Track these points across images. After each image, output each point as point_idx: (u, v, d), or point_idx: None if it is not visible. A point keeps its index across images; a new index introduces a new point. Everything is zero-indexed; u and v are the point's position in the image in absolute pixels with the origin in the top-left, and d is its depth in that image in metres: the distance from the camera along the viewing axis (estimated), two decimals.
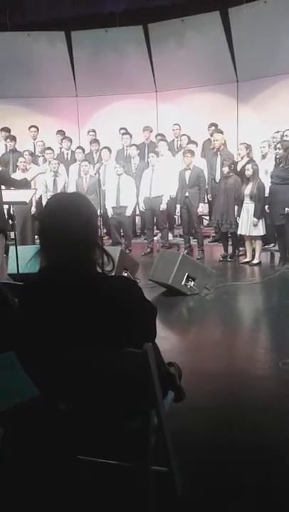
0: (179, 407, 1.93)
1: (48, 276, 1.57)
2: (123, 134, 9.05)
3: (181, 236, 8.37)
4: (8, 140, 8.97)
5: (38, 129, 9.54)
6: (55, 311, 1.54)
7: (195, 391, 2.65)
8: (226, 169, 7.11)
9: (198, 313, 5.19)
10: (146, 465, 1.64)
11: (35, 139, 9.45)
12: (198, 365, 3.53)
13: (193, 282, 5.45)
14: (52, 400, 1.66)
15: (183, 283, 5.41)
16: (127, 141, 8.86)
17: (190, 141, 8.37)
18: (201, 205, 7.44)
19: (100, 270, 1.61)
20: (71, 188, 8.28)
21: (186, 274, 5.43)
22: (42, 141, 9.27)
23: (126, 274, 5.74)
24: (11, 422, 1.41)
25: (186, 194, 7.43)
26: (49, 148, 8.77)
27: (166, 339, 4.14)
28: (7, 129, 9.39)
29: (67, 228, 1.53)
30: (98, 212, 7.47)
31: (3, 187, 5.20)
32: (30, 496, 1.83)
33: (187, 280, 5.43)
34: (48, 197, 2.26)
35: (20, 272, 5.25)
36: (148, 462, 1.64)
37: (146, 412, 1.61)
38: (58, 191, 7.81)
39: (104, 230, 8.31)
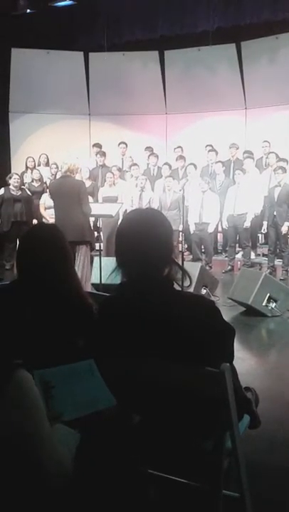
0: (254, 433, 1.87)
1: (126, 291, 1.60)
2: (209, 150, 9.06)
3: (264, 255, 8.15)
4: (98, 155, 9.35)
5: (126, 145, 9.84)
6: (131, 326, 1.57)
7: (271, 418, 2.56)
8: None
9: (279, 336, 5.00)
10: (218, 488, 1.60)
11: (123, 155, 9.75)
12: (276, 392, 3.39)
13: (275, 303, 5.27)
14: (127, 412, 1.69)
15: (264, 304, 5.26)
16: (213, 158, 8.85)
17: (279, 159, 8.17)
18: (287, 224, 7.19)
19: (178, 287, 1.62)
20: (155, 204, 8.42)
21: (268, 294, 5.27)
22: (130, 157, 9.54)
23: (205, 291, 5.69)
24: (88, 429, 1.45)
25: (275, 212, 7.23)
26: (135, 164, 9.01)
27: (243, 360, 4.03)
28: (98, 145, 9.80)
29: (142, 245, 1.54)
30: (181, 227, 7.55)
31: (91, 200, 5.40)
32: (99, 506, 1.87)
33: (269, 301, 5.26)
34: None
35: (103, 282, 5.41)
36: (220, 485, 1.60)
37: (220, 434, 1.58)
38: (144, 206, 7.98)
39: (186, 246, 8.33)
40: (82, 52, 10.63)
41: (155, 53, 10.62)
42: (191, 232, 8.05)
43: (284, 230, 7.17)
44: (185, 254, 7.87)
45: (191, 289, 5.22)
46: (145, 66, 10.73)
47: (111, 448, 1.60)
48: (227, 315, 5.13)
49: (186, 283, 1.65)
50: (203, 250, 8.20)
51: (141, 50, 10.51)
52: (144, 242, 1.55)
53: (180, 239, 7.43)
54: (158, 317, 1.55)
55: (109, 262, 5.67)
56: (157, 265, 1.57)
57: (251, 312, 5.33)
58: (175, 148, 9.73)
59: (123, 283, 1.62)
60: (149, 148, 9.84)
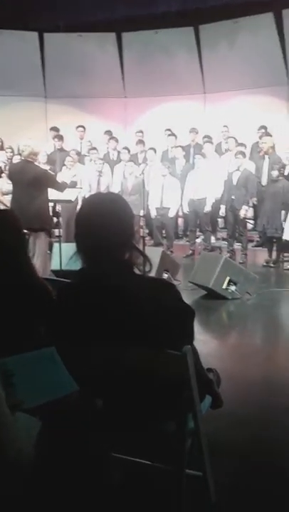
0: (216, 413, 1.90)
1: (86, 276, 1.58)
2: (168, 135, 9.05)
3: (224, 239, 8.28)
4: (56, 139, 9.16)
5: (85, 129, 9.69)
6: (92, 311, 1.55)
7: (232, 398, 2.61)
8: (275, 173, 6.97)
9: (239, 318, 5.11)
10: (181, 468, 1.63)
11: (82, 139, 9.60)
12: (237, 372, 3.47)
13: (234, 286, 5.37)
14: (90, 397, 1.68)
15: (224, 287, 5.35)
16: (172, 143, 8.85)
17: (238, 144, 8.26)
18: (245, 208, 7.30)
19: (139, 272, 1.61)
20: (115, 188, 8.36)
21: (228, 277, 5.36)
22: (89, 141, 9.40)
23: (167, 276, 5.73)
24: (49, 415, 1.43)
25: (233, 196, 7.33)
26: (94, 148, 8.88)
27: (205, 342, 4.10)
28: (56, 129, 9.59)
29: (102, 230, 1.52)
30: (142, 212, 7.53)
31: None
32: (62, 492, 1.86)
33: (229, 284, 5.36)
34: None
35: (63, 268, 5.35)
36: (183, 465, 1.63)
37: (182, 415, 1.60)
38: (102, 191, 7.91)
39: (147, 231, 8.34)
40: (36, 33, 10.32)
41: (112, 35, 10.44)
42: (152, 217, 8.05)
43: (242, 213, 7.28)
44: (146, 239, 7.88)
45: (153, 274, 5.24)
46: (102, 48, 10.55)
47: (73, 434, 1.59)
48: (188, 298, 5.19)
49: (147, 268, 1.64)
50: (164, 235, 8.23)
51: (98, 32, 10.30)
52: (104, 227, 1.52)
53: (141, 224, 7.43)
54: (118, 301, 1.54)
55: (69, 248, 5.60)
56: (117, 250, 1.55)
57: (212, 295, 5.42)
58: (136, 133, 9.66)
59: (83, 268, 1.60)
60: (108, 132, 9.72)
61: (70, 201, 5.79)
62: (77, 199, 6.29)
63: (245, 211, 7.30)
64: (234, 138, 8.44)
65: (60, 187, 5.33)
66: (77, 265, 1.62)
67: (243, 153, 7.44)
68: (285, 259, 7.15)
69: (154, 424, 1.68)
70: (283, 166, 7.18)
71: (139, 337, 1.53)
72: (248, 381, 3.35)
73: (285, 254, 7.15)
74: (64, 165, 8.20)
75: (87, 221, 1.56)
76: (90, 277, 1.57)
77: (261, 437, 2.62)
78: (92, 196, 1.67)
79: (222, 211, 7.62)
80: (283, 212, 6.82)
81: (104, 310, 1.54)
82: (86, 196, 8.04)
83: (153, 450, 1.76)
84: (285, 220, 6.78)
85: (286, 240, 6.83)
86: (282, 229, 6.81)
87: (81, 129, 9.67)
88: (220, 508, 1.73)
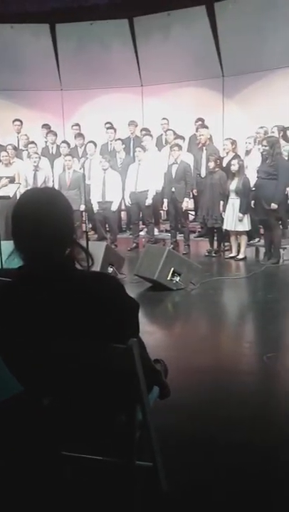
0: (164, 403, 1.92)
1: (25, 274, 1.54)
2: (108, 128, 8.99)
3: (167, 231, 8.37)
4: None
5: (21, 123, 9.43)
6: (33, 309, 1.52)
7: (180, 386, 2.65)
8: (211, 164, 7.11)
9: (184, 308, 5.20)
10: (131, 460, 1.63)
11: (18, 133, 9.34)
12: (184, 361, 3.53)
13: (178, 277, 5.46)
14: (36, 396, 1.64)
15: (168, 278, 5.41)
16: (112, 136, 8.81)
17: (176, 136, 8.35)
18: (186, 200, 7.43)
19: (80, 267, 1.58)
20: (55, 183, 8.22)
21: (172, 269, 5.43)
22: (26, 135, 9.16)
23: (111, 270, 5.71)
24: None
25: (173, 189, 7.42)
26: (32, 142, 8.67)
27: (151, 334, 4.13)
28: None
29: (39, 226, 1.48)
30: (82, 207, 7.46)
31: None
32: (13, 492, 1.82)
33: (173, 275, 5.43)
34: None
35: (3, 266, 5.20)
36: (133, 457, 1.63)
37: (131, 408, 1.60)
38: (38, 186, 7.75)
39: (90, 225, 8.26)
40: None
41: (46, 26, 10.20)
42: (95, 211, 7.99)
43: (184, 206, 7.40)
44: (90, 233, 7.81)
45: (98, 268, 5.20)
46: (36, 40, 10.28)
47: (20, 434, 1.56)
48: (134, 291, 5.22)
49: (89, 263, 1.62)
50: (107, 229, 8.19)
51: (31, 23, 10.02)
52: (42, 223, 1.48)
53: (83, 218, 7.35)
54: (59, 298, 1.51)
55: (9, 245, 5.45)
56: (57, 246, 1.52)
57: (157, 287, 5.47)
58: (72, 126, 9.52)
59: (22, 266, 1.55)
60: (46, 126, 9.52)
61: (8, 197, 5.64)
62: (15, 195, 6.12)
63: (187, 203, 7.42)
64: (172, 130, 8.53)
65: None
66: (16, 263, 1.57)
67: (179, 146, 7.54)
68: (226, 248, 7.35)
69: (103, 418, 1.68)
70: (220, 158, 7.34)
71: (84, 332, 1.51)
72: (195, 369, 3.42)
73: (226, 244, 7.35)
74: (0, 160, 7.95)
75: (23, 218, 1.51)
76: (29, 275, 1.53)
77: (211, 425, 2.69)
78: (28, 191, 1.60)
79: (165, 204, 7.70)
80: (222, 202, 6.99)
81: (46, 308, 1.51)
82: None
83: (104, 445, 1.75)
84: (224, 211, 6.96)
85: (226, 230, 7.01)
86: (222, 219, 6.98)
87: (18, 122, 9.41)
88: (172, 497, 1.76)
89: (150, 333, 4.15)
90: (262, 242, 7.19)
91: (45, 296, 1.51)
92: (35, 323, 1.52)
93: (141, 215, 8.12)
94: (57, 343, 1.52)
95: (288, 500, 2.11)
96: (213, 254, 7.23)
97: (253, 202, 6.75)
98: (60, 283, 1.52)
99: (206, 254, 7.29)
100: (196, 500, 2.10)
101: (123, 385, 1.57)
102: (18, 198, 6.25)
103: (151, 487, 1.68)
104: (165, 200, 7.66)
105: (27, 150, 8.71)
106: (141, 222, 8.29)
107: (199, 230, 8.46)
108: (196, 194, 8.08)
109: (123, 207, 8.52)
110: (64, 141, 8.88)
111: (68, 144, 8.75)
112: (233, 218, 6.80)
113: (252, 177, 6.77)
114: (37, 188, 1.71)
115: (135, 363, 1.51)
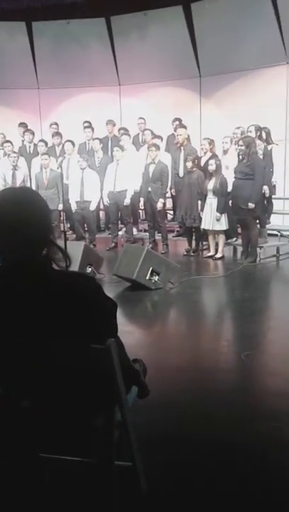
0: (143, 402, 1.93)
1: (2, 274, 1.52)
2: (85, 127, 8.96)
3: (145, 231, 8.39)
4: None
5: None
6: (11, 309, 1.50)
7: (158, 385, 2.66)
8: (189, 164, 7.15)
9: (163, 307, 5.22)
10: (110, 461, 1.63)
11: None
12: (162, 360, 3.55)
13: (157, 277, 5.47)
14: (14, 398, 1.62)
15: (147, 277, 5.42)
16: (90, 135, 8.78)
17: (154, 136, 8.37)
18: (161, 200, 7.44)
19: (57, 267, 1.57)
20: (33, 183, 8.15)
21: (151, 268, 5.44)
22: (2, 134, 9.05)
23: (90, 270, 5.69)
24: None
25: (149, 189, 7.43)
26: (8, 141, 8.57)
27: (130, 334, 4.14)
28: None
29: (15, 226, 1.47)
30: (60, 206, 7.41)
31: None
32: None
33: (151, 275, 5.44)
34: None
35: None
36: (111, 458, 1.63)
37: (109, 408, 1.60)
38: (17, 185, 7.67)
39: (68, 225, 8.22)
40: None
41: (22, 24, 10.09)
42: (73, 210, 7.95)
43: (159, 206, 7.42)
44: (68, 233, 7.77)
45: (76, 268, 5.18)
46: (13, 38, 10.16)
47: None
48: (113, 291, 5.21)
49: (66, 263, 1.61)
50: (86, 228, 8.17)
51: (6, 21, 9.90)
52: (18, 224, 1.47)
53: (61, 218, 7.31)
54: (37, 298, 1.50)
55: None
56: (33, 246, 1.51)
57: (136, 287, 5.47)
58: (51, 125, 9.45)
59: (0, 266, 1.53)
60: (23, 125, 9.42)
61: None
62: None
63: (162, 203, 7.45)
64: (150, 130, 8.54)
65: None
66: None
67: (157, 146, 7.56)
68: (204, 247, 7.40)
69: (82, 418, 1.67)
70: (198, 157, 7.39)
71: (62, 333, 1.50)
72: (174, 368, 3.44)
73: (204, 243, 7.41)
74: None
75: (0, 217, 1.49)
76: (7, 276, 1.52)
77: (190, 424, 2.70)
78: (3, 191, 1.58)
79: (141, 203, 7.71)
80: (200, 202, 7.04)
81: (23, 309, 1.50)
82: None
83: (82, 446, 1.74)
84: (202, 210, 7.00)
85: (204, 229, 7.07)
86: (200, 218, 7.03)
87: None
88: (151, 497, 1.76)
89: (129, 332, 4.15)
90: (239, 241, 7.27)
91: (22, 296, 1.50)
92: (12, 323, 1.51)
93: (119, 215, 8.12)
94: (35, 344, 1.51)
95: (270, 498, 2.13)
96: (192, 254, 7.28)
97: (230, 202, 6.82)
98: (38, 283, 1.51)
99: (185, 253, 7.33)
100: (176, 499, 2.11)
101: (101, 385, 1.57)
102: None
103: (131, 487, 1.68)
104: (141, 199, 7.68)
105: (3, 149, 8.60)
106: (119, 222, 8.28)
107: (178, 229, 8.50)
108: (174, 194, 8.13)
109: (102, 206, 8.50)
110: (41, 140, 8.81)
111: (46, 143, 8.68)
112: (211, 218, 6.86)
113: (230, 176, 6.84)
114: (11, 188, 1.69)
115: (113, 363, 1.51)
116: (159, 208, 7.44)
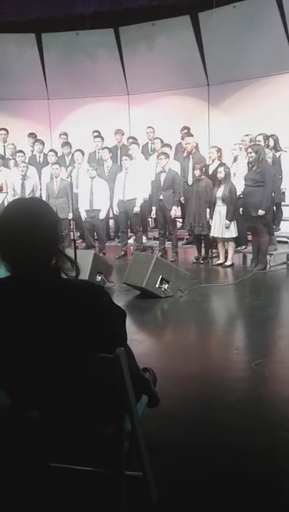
0: (153, 411, 1.92)
1: (11, 285, 1.53)
2: (95, 136, 9.03)
3: (155, 239, 8.39)
4: None
5: (7, 132, 9.41)
6: (20, 319, 1.51)
7: (169, 394, 2.65)
8: (197, 172, 7.17)
9: (173, 315, 5.20)
10: (120, 470, 1.62)
11: (5, 142, 9.32)
12: (173, 368, 3.53)
13: (167, 285, 5.46)
14: (23, 408, 1.63)
15: (157, 285, 5.42)
16: (99, 144, 8.85)
17: (163, 144, 8.41)
18: (174, 208, 7.48)
19: (66, 277, 1.58)
20: (42, 192, 8.22)
21: (160, 276, 5.44)
22: (12, 144, 9.15)
23: (100, 278, 5.71)
24: None
25: (161, 197, 7.46)
26: (20, 151, 8.66)
27: (140, 342, 4.13)
28: None
29: (25, 236, 1.48)
30: (70, 215, 7.45)
31: None
32: (2, 505, 1.80)
33: (161, 283, 5.44)
34: None
35: None
36: (122, 467, 1.62)
37: (119, 418, 1.60)
38: (26, 195, 7.73)
39: (78, 234, 8.26)
40: None
41: (32, 36, 10.24)
42: (83, 219, 7.99)
43: (172, 214, 7.44)
44: (78, 242, 7.81)
45: (86, 277, 5.19)
46: (23, 49, 10.31)
47: (8, 447, 1.54)
48: (123, 299, 5.21)
49: (75, 272, 1.61)
50: (96, 237, 8.20)
51: (16, 33, 10.05)
52: (27, 234, 1.49)
53: (71, 227, 7.35)
54: (46, 308, 1.50)
55: None
56: (43, 256, 1.52)
57: (146, 295, 5.47)
58: (60, 135, 9.54)
59: (9, 277, 1.55)
60: (32, 135, 9.52)
61: None
62: (3, 204, 6.10)
63: (175, 211, 7.47)
64: (160, 139, 8.58)
65: None
66: (2, 273, 1.57)
67: (166, 154, 7.60)
68: (214, 255, 7.38)
69: (92, 428, 1.67)
70: (205, 165, 7.40)
71: (71, 342, 1.51)
72: (184, 377, 3.42)
73: (214, 251, 7.39)
74: None
75: (9, 227, 1.51)
76: (15, 286, 1.53)
77: (201, 433, 2.68)
78: (13, 202, 1.60)
79: (153, 212, 7.75)
80: (208, 210, 7.04)
81: (32, 318, 1.51)
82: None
83: (92, 456, 1.74)
84: (211, 218, 7.00)
85: (213, 237, 7.06)
86: (209, 226, 7.03)
87: (4, 131, 9.38)
88: (161, 507, 1.75)
89: (139, 341, 4.15)
90: (249, 248, 7.24)
91: (31, 306, 1.51)
92: (21, 333, 1.52)
93: (129, 223, 8.14)
94: (44, 354, 1.51)
95: (281, 504, 2.11)
96: (201, 261, 7.27)
97: (241, 209, 6.80)
98: (47, 293, 1.51)
99: (194, 261, 7.32)
100: (187, 509, 2.09)
101: (111, 395, 1.57)
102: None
103: (141, 497, 1.67)
104: (153, 208, 7.70)
105: (14, 159, 8.69)
106: (129, 230, 8.30)
107: (187, 237, 8.50)
108: (183, 202, 8.14)
109: (111, 215, 8.54)
110: (51, 150, 8.89)
111: (56, 153, 8.76)
112: (220, 225, 6.85)
113: (240, 184, 6.83)
114: (23, 198, 1.71)
115: (123, 373, 1.51)
116: (173, 216, 7.46)
